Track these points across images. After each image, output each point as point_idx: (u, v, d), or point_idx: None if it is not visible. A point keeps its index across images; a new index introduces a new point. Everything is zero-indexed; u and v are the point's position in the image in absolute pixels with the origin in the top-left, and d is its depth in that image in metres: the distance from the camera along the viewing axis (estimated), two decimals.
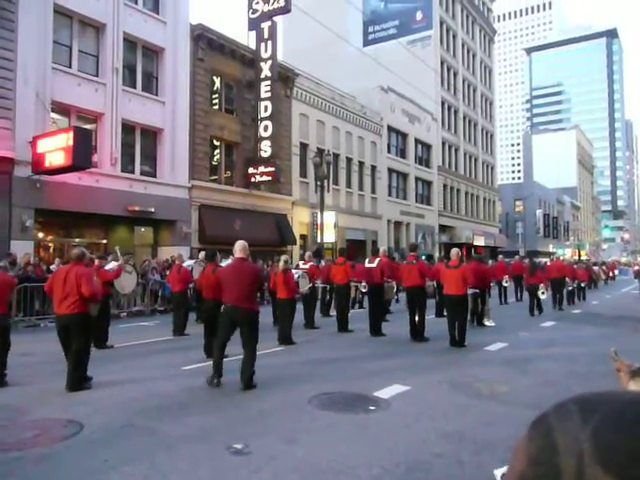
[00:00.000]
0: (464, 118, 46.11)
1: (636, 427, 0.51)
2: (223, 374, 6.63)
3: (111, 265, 11.05)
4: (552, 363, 8.26)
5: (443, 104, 42.37)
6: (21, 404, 5.83)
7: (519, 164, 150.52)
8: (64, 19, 17.32)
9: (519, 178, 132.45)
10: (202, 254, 12.94)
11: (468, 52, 48.05)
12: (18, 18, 15.66)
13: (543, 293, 15.09)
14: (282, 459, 4.21)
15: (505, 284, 18.48)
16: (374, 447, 4.48)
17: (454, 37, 45.11)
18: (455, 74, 44.94)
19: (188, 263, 12.51)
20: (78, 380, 6.51)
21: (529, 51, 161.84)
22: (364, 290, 12.33)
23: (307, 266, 12.88)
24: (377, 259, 11.57)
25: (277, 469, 4.02)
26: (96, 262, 10.57)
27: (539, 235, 62.08)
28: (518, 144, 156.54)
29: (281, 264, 10.63)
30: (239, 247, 6.95)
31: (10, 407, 5.73)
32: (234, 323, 6.65)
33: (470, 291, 10.41)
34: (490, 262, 19.09)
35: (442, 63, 42.46)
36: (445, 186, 42.12)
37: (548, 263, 22.13)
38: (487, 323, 12.97)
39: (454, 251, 10.28)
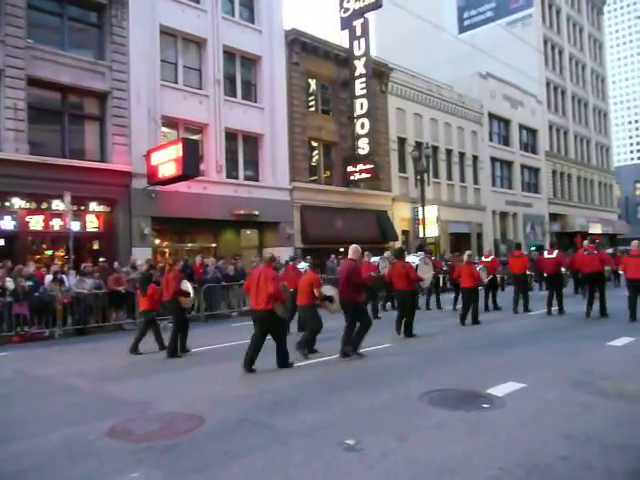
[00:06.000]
0: (573, 98, 43.07)
1: None
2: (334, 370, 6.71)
3: (302, 265, 12.75)
4: None
5: (548, 85, 39.88)
6: (147, 398, 6.28)
7: (638, 143, 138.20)
8: (169, 38, 18.48)
9: (639, 158, 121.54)
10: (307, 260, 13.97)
11: (574, 27, 44.78)
12: (129, 42, 16.95)
13: None
14: (394, 456, 4.17)
15: None
16: (490, 447, 4.30)
17: (558, 13, 42.27)
18: (560, 52, 42.11)
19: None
20: (284, 358, 7.80)
21: None
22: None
23: (489, 259, 14.93)
24: (555, 250, 13.71)
25: (390, 466, 3.99)
26: (290, 263, 12.67)
27: None
28: (636, 121, 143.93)
29: (466, 257, 12.69)
30: (351, 250, 8.68)
31: (138, 401, 6.19)
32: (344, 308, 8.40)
33: None
34: None
35: (545, 42, 39.95)
36: (554, 172, 39.64)
37: None
38: None
39: (635, 243, 11.65)
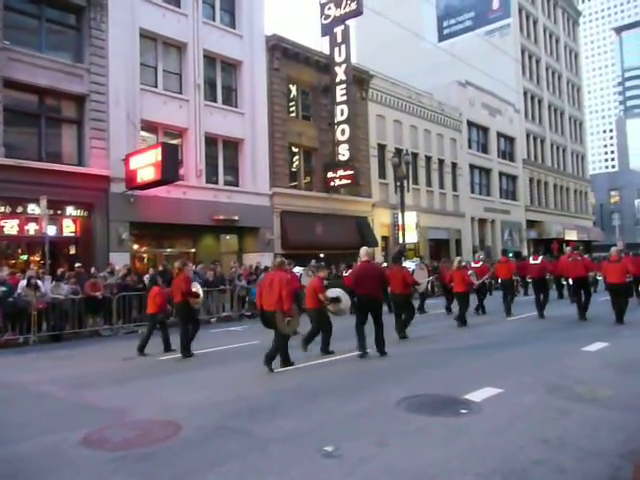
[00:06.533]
0: (549, 107, 43.87)
1: None
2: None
3: (297, 269, 13.00)
4: None
5: (526, 94, 40.57)
6: (123, 406, 6.19)
7: (613, 152, 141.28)
8: (149, 42, 18.35)
9: (613, 167, 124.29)
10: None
11: (551, 37, 45.68)
12: (108, 45, 16.79)
13: None
14: (373, 462, 4.17)
15: None
16: (467, 452, 4.33)
17: (535, 23, 43.08)
18: (537, 62, 42.89)
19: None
20: (284, 360, 8.09)
21: (619, 30, 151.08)
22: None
23: (479, 265, 15.55)
24: (540, 257, 14.78)
25: (369, 472, 3.99)
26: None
27: (639, 226, 57.74)
28: (611, 130, 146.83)
29: (456, 264, 13.34)
30: (364, 252, 9.31)
31: (114, 409, 6.09)
32: (368, 308, 8.75)
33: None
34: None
35: (523, 51, 40.67)
36: (531, 180, 40.29)
37: None
38: None
39: (614, 249, 12.64)
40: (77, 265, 14.54)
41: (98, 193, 16.17)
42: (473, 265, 15.81)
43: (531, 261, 15.09)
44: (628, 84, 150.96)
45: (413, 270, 12.06)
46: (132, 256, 17.45)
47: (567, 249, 15.32)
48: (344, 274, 17.47)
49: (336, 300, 9.35)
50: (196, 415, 5.68)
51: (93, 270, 14.25)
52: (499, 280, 15.58)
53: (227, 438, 4.89)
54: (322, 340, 9.14)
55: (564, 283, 17.95)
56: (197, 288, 10.27)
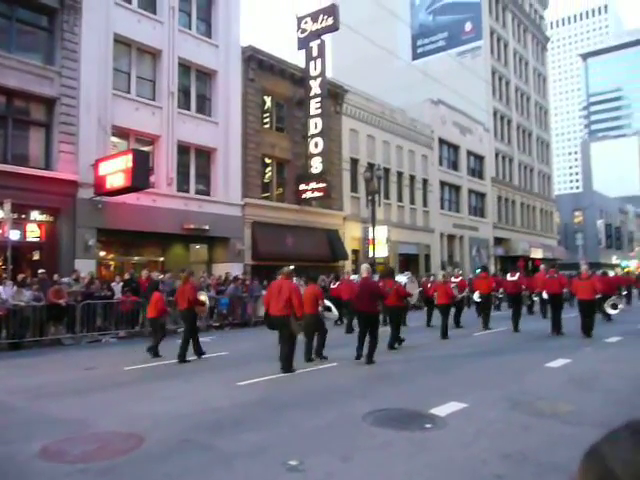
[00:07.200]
0: (518, 128, 45.00)
1: None
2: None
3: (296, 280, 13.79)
4: (619, 380, 7.85)
5: (495, 114, 41.54)
6: (84, 417, 6.03)
7: (577, 173, 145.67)
8: (123, 47, 18.17)
9: (577, 188, 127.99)
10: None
11: (520, 61, 47.00)
12: (81, 48, 16.55)
13: None
14: (338, 477, 4.16)
15: (623, 292, 23.76)
16: (432, 466, 4.36)
17: (505, 46, 44.28)
18: (507, 83, 44.03)
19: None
20: (288, 365, 8.50)
21: (585, 57, 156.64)
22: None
23: (458, 280, 16.68)
24: (517, 274, 15.42)
25: None
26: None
27: (601, 246, 59.34)
28: (576, 152, 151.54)
29: (440, 277, 14.25)
30: (364, 269, 10.41)
31: (74, 420, 5.93)
32: (366, 322, 9.47)
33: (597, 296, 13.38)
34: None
35: (493, 73, 41.70)
36: (499, 198, 41.12)
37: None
38: (610, 311, 15.61)
39: (584, 267, 13.69)
40: (40, 271, 14.15)
41: (65, 198, 15.83)
42: (453, 280, 16.48)
43: (508, 277, 15.90)
44: (593, 108, 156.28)
45: (405, 283, 12.87)
46: (98, 263, 17.11)
47: (542, 267, 16.32)
48: (331, 286, 17.69)
49: (329, 309, 11.31)
50: (160, 428, 5.58)
51: (56, 277, 13.91)
52: (475, 294, 16.08)
53: (191, 452, 4.81)
54: (313, 345, 9.83)
55: (535, 299, 18.57)
56: (203, 297, 10.93)
